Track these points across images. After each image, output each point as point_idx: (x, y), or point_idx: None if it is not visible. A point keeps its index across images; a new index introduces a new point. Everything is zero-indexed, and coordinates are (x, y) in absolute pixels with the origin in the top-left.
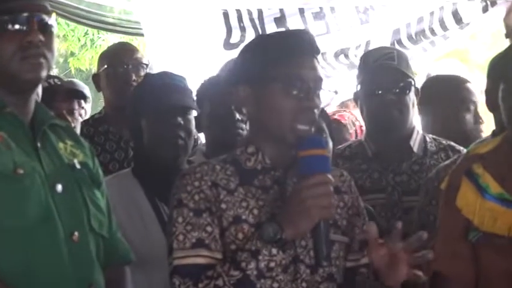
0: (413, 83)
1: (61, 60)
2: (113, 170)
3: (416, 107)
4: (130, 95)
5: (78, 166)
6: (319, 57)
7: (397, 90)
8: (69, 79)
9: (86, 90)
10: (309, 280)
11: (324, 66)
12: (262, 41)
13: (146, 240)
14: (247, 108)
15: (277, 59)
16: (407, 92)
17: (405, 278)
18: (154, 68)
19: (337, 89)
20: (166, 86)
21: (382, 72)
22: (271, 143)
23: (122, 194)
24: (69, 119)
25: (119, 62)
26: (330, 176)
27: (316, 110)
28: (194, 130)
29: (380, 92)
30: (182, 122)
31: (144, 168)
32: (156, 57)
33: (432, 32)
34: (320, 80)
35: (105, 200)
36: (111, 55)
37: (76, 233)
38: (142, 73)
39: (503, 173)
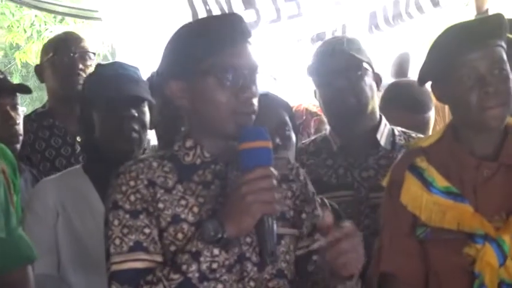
0: (368, 66)
1: (4, 52)
2: (59, 167)
3: (375, 92)
4: (81, 86)
5: None
6: (296, 44)
7: (349, 74)
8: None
9: None
10: (257, 278)
11: (301, 54)
12: (189, 30)
13: (99, 240)
14: (182, 102)
15: (208, 49)
16: (361, 74)
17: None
18: (117, 57)
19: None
20: (119, 76)
21: (331, 56)
22: (210, 137)
23: (72, 193)
24: (13, 114)
25: (64, 51)
26: (272, 169)
27: (254, 99)
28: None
29: (331, 78)
30: (136, 114)
31: (95, 164)
32: (115, 44)
33: (409, 15)
34: (255, 66)
35: (1, 193)
36: (56, 44)
37: None
38: (89, 62)
39: (447, 166)
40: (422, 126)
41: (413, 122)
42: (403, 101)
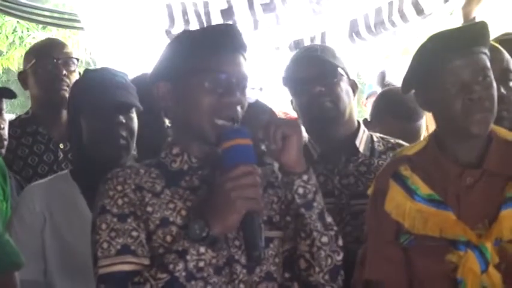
0: (343, 72)
1: None
2: (42, 173)
3: (352, 98)
4: (66, 92)
5: None
6: (274, 52)
7: (325, 80)
8: None
9: None
10: (247, 281)
11: (280, 62)
12: (184, 36)
13: (86, 246)
14: (167, 104)
15: (198, 54)
16: (336, 80)
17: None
18: (97, 63)
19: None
20: (107, 82)
21: (305, 63)
22: (195, 142)
23: (59, 198)
24: None
25: (48, 57)
26: (255, 167)
27: (239, 107)
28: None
29: (306, 85)
30: (124, 120)
31: (83, 169)
32: (97, 51)
33: (393, 24)
34: (244, 76)
35: None
36: (39, 50)
37: None
38: (72, 68)
39: (430, 174)
40: (413, 134)
41: (404, 130)
42: (394, 109)
